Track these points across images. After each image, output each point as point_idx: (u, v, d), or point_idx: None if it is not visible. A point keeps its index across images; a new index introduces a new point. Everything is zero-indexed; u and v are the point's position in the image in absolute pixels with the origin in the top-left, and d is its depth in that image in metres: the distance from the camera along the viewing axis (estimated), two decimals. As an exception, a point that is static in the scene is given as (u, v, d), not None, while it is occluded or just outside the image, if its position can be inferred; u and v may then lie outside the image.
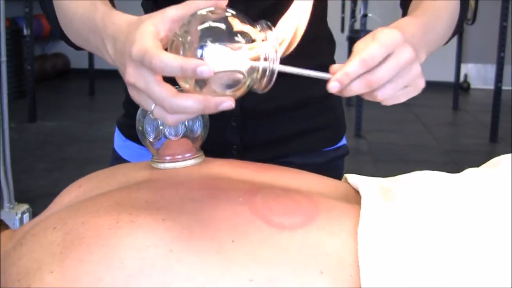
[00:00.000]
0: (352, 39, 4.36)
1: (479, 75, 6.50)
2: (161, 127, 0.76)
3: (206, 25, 0.56)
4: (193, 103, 0.54)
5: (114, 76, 1.52)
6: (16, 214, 2.19)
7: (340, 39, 0.95)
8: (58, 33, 0.82)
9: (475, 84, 6.45)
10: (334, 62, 1.02)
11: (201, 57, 0.54)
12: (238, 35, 0.56)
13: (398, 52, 0.61)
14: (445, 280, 0.59)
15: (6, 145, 2.22)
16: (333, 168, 1.01)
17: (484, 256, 0.61)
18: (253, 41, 0.56)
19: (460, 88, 5.65)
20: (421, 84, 0.64)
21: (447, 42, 0.85)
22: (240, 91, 0.57)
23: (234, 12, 0.58)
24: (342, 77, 0.60)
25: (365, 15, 4.19)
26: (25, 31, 4.46)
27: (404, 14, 0.87)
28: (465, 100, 5.87)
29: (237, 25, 0.57)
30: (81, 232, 0.62)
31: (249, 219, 0.64)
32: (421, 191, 0.69)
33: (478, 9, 4.35)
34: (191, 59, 0.53)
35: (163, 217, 0.63)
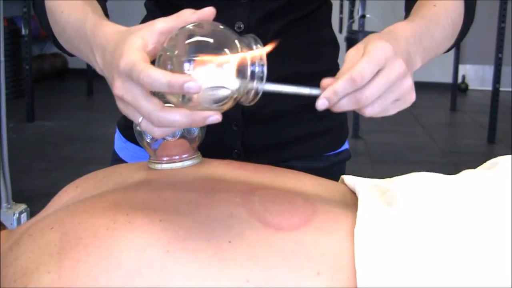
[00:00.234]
0: (351, 40, 4.36)
1: (477, 76, 6.51)
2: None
3: (193, 39, 0.56)
4: (180, 118, 0.54)
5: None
6: (14, 214, 2.19)
7: (338, 39, 0.96)
8: (51, 39, 0.82)
9: (473, 85, 6.46)
10: (337, 65, 1.02)
11: (188, 72, 0.54)
12: (226, 49, 0.56)
13: (389, 66, 0.60)
14: (442, 281, 0.59)
15: (4, 144, 2.22)
16: (334, 173, 1.00)
17: (481, 258, 0.61)
18: (241, 55, 0.56)
19: (458, 89, 5.67)
20: (412, 98, 0.63)
21: (449, 50, 0.83)
22: (227, 105, 0.57)
23: (222, 27, 0.58)
24: (331, 96, 0.59)
25: (363, 16, 4.20)
26: (23, 31, 4.46)
27: (406, 18, 0.86)
28: (463, 101, 5.88)
29: (225, 39, 0.56)
30: (78, 233, 0.62)
31: (246, 220, 0.64)
32: (418, 193, 0.70)
33: (476, 10, 4.33)
34: (179, 75, 0.53)
35: (160, 217, 0.63)
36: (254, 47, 0.57)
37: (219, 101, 0.56)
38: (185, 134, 0.77)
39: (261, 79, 0.57)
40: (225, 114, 0.56)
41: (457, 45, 0.81)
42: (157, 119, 0.55)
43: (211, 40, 0.56)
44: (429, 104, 5.52)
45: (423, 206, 0.67)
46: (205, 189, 0.70)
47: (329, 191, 0.77)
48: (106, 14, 0.76)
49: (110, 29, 0.63)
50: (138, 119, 0.57)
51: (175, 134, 0.76)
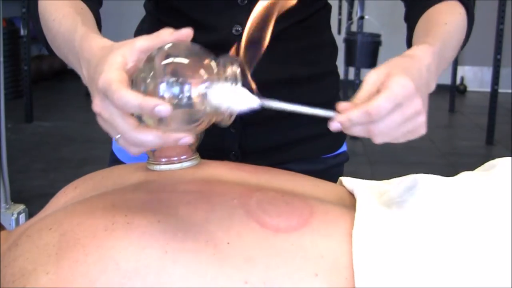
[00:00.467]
0: (349, 41, 4.37)
1: (476, 77, 6.51)
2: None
3: (169, 60, 0.56)
4: (153, 139, 0.55)
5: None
6: (12, 215, 2.19)
7: (337, 41, 0.95)
8: (44, 44, 0.83)
9: (471, 86, 6.46)
10: (336, 68, 1.02)
11: (162, 94, 0.55)
12: (201, 71, 0.56)
13: (406, 104, 0.61)
14: (440, 282, 0.59)
15: (2, 145, 2.22)
16: (332, 175, 1.00)
17: (479, 260, 0.61)
18: (213, 77, 0.56)
19: (456, 90, 5.66)
20: (422, 132, 0.63)
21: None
22: (201, 127, 0.58)
23: (198, 48, 0.58)
24: (345, 122, 0.60)
25: (362, 17, 4.19)
26: (22, 32, 4.46)
27: (409, 28, 0.85)
28: (462, 103, 5.87)
29: (200, 61, 0.57)
30: (76, 233, 0.62)
31: (244, 221, 0.64)
32: (416, 195, 0.70)
33: (474, 12, 4.34)
34: (149, 98, 0.54)
35: (158, 218, 0.63)
36: (230, 68, 0.57)
37: (192, 122, 0.57)
38: (184, 135, 0.77)
39: (236, 98, 0.57)
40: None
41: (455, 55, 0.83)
42: (131, 139, 0.56)
43: (186, 61, 0.56)
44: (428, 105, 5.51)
45: (421, 208, 0.67)
46: (203, 191, 0.70)
47: (327, 192, 0.77)
48: (99, 23, 0.77)
49: (96, 44, 0.64)
50: (116, 136, 0.58)
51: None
